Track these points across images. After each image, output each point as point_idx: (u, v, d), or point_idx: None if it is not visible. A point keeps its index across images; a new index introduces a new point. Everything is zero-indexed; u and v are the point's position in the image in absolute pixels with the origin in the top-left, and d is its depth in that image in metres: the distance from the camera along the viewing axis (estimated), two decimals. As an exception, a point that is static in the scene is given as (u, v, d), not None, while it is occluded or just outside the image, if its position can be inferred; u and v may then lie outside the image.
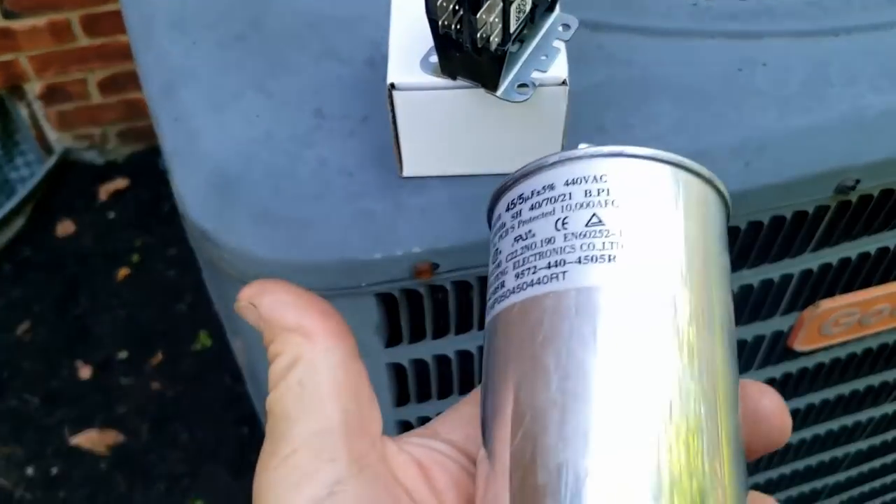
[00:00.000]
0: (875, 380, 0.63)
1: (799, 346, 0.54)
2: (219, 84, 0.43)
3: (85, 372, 1.37)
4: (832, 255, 0.48)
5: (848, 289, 0.51)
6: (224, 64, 0.44)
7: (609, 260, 0.23)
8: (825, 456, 0.72)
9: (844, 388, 0.62)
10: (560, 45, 0.36)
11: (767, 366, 0.56)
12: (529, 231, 0.25)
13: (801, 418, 0.64)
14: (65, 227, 1.57)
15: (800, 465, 0.72)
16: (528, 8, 0.32)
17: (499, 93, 0.34)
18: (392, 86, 0.35)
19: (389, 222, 0.37)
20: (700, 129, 0.40)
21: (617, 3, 0.46)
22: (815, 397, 0.62)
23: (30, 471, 1.29)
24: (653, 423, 0.21)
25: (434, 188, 0.38)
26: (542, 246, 0.24)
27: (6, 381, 1.35)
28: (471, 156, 0.38)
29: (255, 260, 0.38)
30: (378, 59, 0.43)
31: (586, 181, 0.24)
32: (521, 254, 0.24)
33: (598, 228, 0.23)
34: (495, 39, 0.31)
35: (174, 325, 1.42)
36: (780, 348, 0.55)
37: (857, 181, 0.42)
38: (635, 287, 0.23)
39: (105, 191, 1.63)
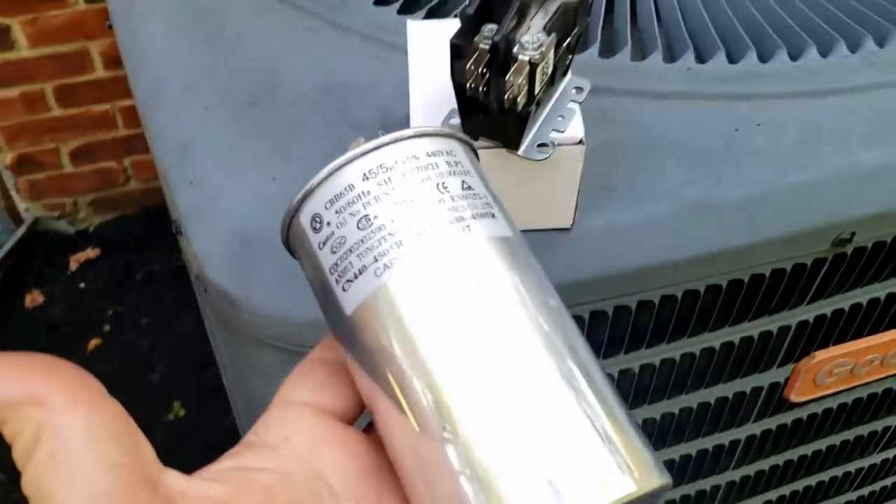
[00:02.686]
0: (864, 430, 0.64)
1: (795, 396, 0.55)
2: (235, 148, 0.44)
3: (54, 446, 1.33)
4: (826, 307, 0.49)
5: (840, 340, 0.53)
6: (239, 128, 0.45)
7: (493, 216, 0.26)
8: (816, 508, 0.73)
9: (835, 439, 0.64)
10: (575, 106, 0.37)
11: (764, 418, 0.57)
12: (413, 194, 0.26)
13: (794, 470, 0.65)
14: (34, 298, 1.54)
15: (792, 518, 0.72)
16: (549, 71, 0.34)
17: (520, 151, 0.35)
18: (416, 147, 0.36)
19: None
20: (704, 186, 0.42)
21: (614, 69, 0.48)
22: (808, 448, 0.63)
23: (-4, 550, 1.24)
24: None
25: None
26: (435, 206, 0.26)
27: (-28, 458, 1.31)
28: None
29: (282, 320, 0.38)
30: (390, 125, 0.45)
31: (444, 154, 0.27)
32: (414, 214, 0.25)
33: (471, 192, 0.27)
34: (521, 100, 0.33)
35: (148, 395, 1.39)
36: (776, 399, 0.56)
37: (853, 234, 0.44)
38: (514, 233, 0.27)
39: (75, 260, 1.61)
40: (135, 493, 0.22)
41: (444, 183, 0.26)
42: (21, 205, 1.61)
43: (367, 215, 0.25)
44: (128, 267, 1.60)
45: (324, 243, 0.26)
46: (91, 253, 1.62)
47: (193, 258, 0.41)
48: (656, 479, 0.23)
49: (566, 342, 0.25)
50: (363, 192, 0.26)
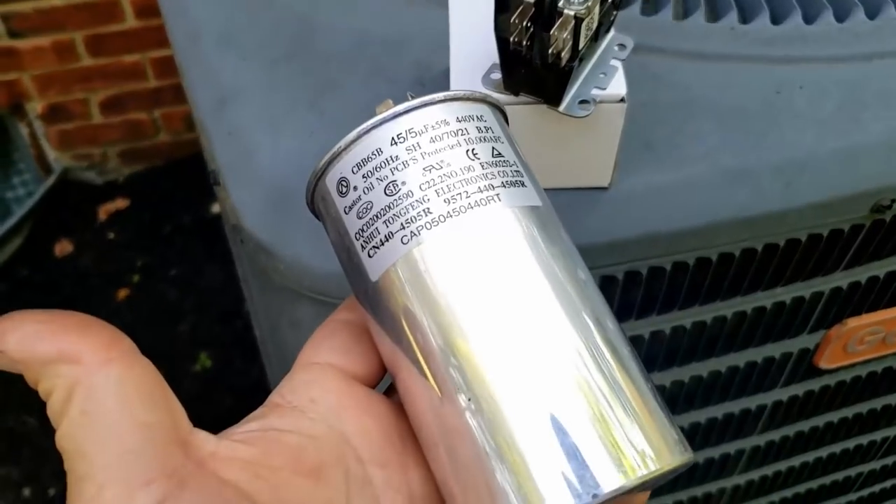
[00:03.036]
0: (893, 399, 0.64)
1: (824, 363, 0.55)
2: (271, 101, 0.44)
3: (83, 392, 1.35)
4: (861, 274, 0.49)
5: (873, 308, 0.52)
6: (275, 81, 0.45)
7: (523, 185, 0.26)
8: (839, 475, 0.73)
9: (863, 407, 0.64)
10: (617, 63, 0.37)
11: (791, 384, 0.57)
12: (442, 160, 0.25)
13: (819, 436, 0.65)
14: (63, 248, 1.56)
15: (814, 484, 0.73)
16: (594, 27, 0.33)
17: (561, 108, 0.35)
18: (457, 101, 0.36)
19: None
20: (743, 148, 0.41)
21: (656, 27, 0.47)
22: (835, 415, 0.63)
23: (26, 492, 1.27)
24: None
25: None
26: (464, 173, 0.25)
27: (3, 402, 1.34)
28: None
29: (313, 272, 0.39)
30: (426, 80, 0.44)
31: (474, 119, 0.27)
32: (443, 181, 0.25)
33: (501, 159, 0.26)
34: (565, 56, 0.32)
35: (175, 346, 1.41)
36: (805, 366, 0.56)
37: (893, 201, 0.43)
38: (544, 203, 0.27)
39: (104, 211, 1.63)
40: (166, 453, 0.22)
41: (473, 149, 0.26)
42: (51, 154, 1.63)
43: (394, 181, 0.25)
44: (156, 218, 1.61)
45: (350, 208, 0.26)
46: (120, 203, 1.64)
47: (231, 209, 0.42)
48: (679, 456, 0.24)
49: (594, 315, 0.25)
50: (391, 157, 0.25)
